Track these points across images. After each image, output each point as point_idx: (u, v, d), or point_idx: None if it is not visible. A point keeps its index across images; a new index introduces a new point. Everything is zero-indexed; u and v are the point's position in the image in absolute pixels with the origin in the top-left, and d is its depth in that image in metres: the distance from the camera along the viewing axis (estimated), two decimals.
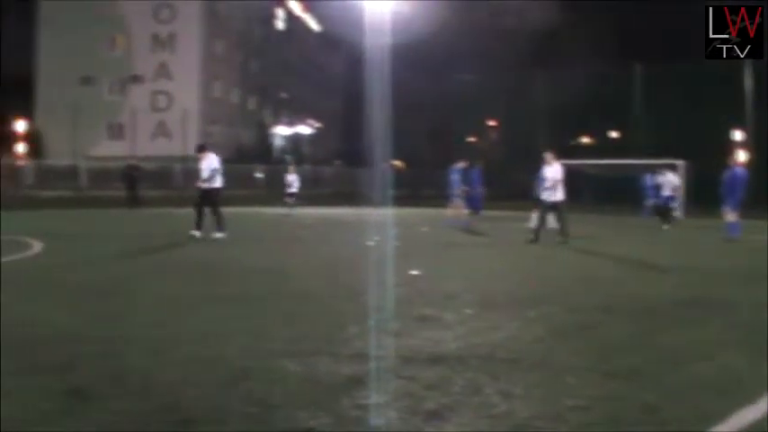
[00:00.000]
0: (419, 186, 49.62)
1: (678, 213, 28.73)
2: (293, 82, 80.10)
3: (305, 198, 35.33)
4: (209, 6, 66.14)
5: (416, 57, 55.96)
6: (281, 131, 76.81)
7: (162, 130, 61.59)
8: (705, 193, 25.06)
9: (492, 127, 62.50)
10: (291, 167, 35.00)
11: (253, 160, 56.99)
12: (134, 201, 32.84)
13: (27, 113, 63.64)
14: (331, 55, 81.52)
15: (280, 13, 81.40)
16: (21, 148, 62.65)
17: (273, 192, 44.93)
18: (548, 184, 17.11)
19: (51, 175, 45.88)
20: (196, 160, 18.06)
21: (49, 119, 59.25)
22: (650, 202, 28.18)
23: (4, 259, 12.23)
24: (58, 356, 5.71)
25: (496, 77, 51.99)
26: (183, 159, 44.35)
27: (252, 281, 10.25)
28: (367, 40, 44.50)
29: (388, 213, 26.57)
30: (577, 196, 26.01)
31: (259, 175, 52.48)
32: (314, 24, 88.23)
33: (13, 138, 63.08)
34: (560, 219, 17.23)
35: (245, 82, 73.46)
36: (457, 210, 24.29)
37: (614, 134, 53.59)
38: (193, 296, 8.84)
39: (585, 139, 55.86)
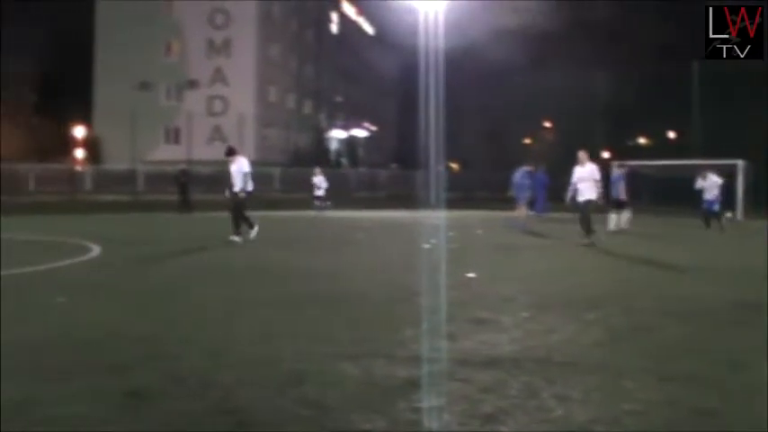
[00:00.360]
0: (474, 188, 49.43)
1: (731, 215, 28.04)
2: (348, 85, 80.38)
3: (360, 201, 35.33)
4: (264, 11, 66.65)
5: (470, 58, 55.79)
6: (337, 135, 77.07)
7: (218, 135, 62.17)
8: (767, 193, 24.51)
9: (547, 128, 62.07)
10: (318, 170, 34.81)
11: (309, 164, 57.19)
12: (184, 205, 32.91)
13: (86, 119, 64.84)
14: (385, 58, 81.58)
15: (334, 16, 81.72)
16: (79, 153, 63.98)
17: (330, 194, 45.17)
18: (580, 184, 16.83)
19: (109, 180, 46.65)
20: (226, 164, 18.11)
21: (107, 124, 60.25)
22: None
23: (64, 262, 12.44)
24: (118, 358, 5.80)
25: (551, 78, 51.59)
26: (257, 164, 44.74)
27: (307, 282, 10.29)
28: (421, 42, 44.48)
29: (443, 216, 26.52)
30: (636, 197, 25.60)
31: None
32: (368, 28, 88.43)
33: (73, 143, 64.42)
34: (584, 218, 16.85)
35: (301, 86, 73.87)
36: (521, 212, 24.09)
37: (672, 135, 52.79)
38: (248, 298, 8.93)
39: (643, 140, 55.15)
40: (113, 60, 62.85)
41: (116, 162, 51.41)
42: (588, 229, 16.86)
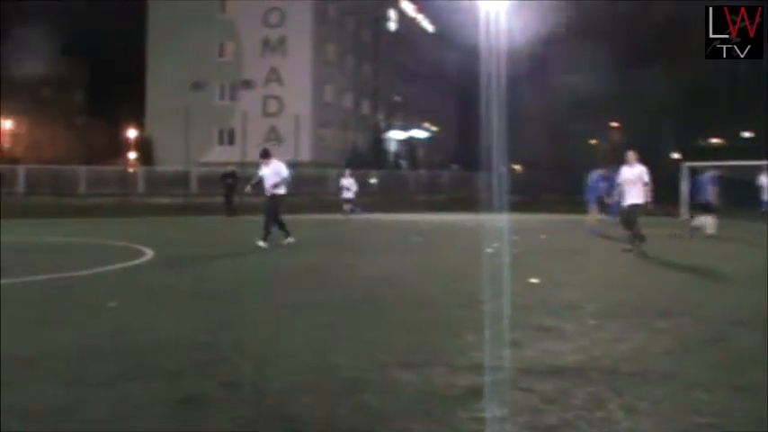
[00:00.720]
0: (537, 191, 49.08)
1: None
2: (407, 85, 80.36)
3: (420, 204, 35.23)
4: (320, 9, 67.02)
5: (533, 56, 55.45)
6: (396, 136, 77.15)
7: (273, 135, 62.66)
8: None
9: (614, 128, 61.34)
10: (347, 171, 34.67)
11: (367, 165, 57.45)
12: (229, 208, 32.13)
13: (138, 120, 65.90)
14: (445, 56, 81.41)
15: (392, 14, 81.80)
16: (131, 155, 65.10)
17: (388, 198, 45.27)
18: (626, 186, 16.41)
19: (162, 182, 47.29)
20: (257, 166, 18.17)
21: (160, 125, 61.10)
22: None
23: (116, 266, 12.66)
24: (170, 363, 5.89)
25: (618, 76, 50.98)
26: (295, 165, 45.00)
27: (364, 288, 10.32)
28: (482, 40, 44.35)
29: (505, 219, 26.38)
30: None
31: (373, 180, 52.88)
32: (427, 25, 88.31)
33: (125, 145, 65.57)
34: (632, 223, 16.41)
35: (358, 85, 74.11)
36: (592, 216, 23.82)
37: (747, 134, 51.74)
38: (303, 303, 8.97)
39: (715, 140, 54.18)
40: (166, 60, 63.79)
41: (169, 164, 52.09)
42: (637, 235, 16.28)
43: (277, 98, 65.06)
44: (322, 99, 66.98)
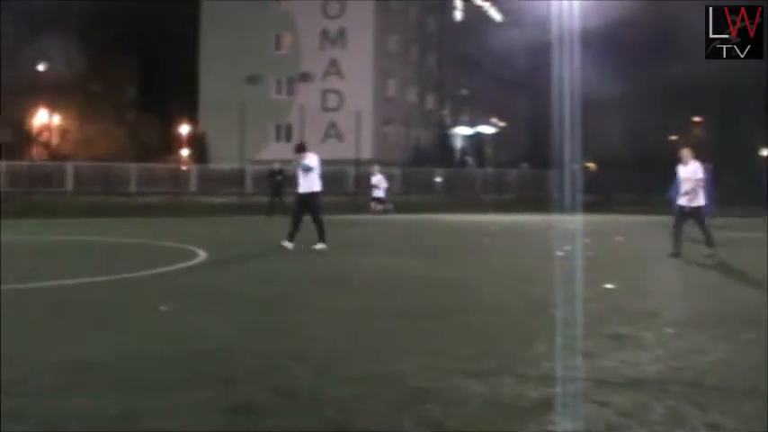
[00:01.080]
0: (613, 190, 48.51)
1: None
2: (474, 78, 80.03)
3: (487, 204, 35.00)
4: None
5: (608, 48, 54.81)
6: (462, 131, 76.93)
7: (333, 131, 62.91)
8: None
9: (697, 123, 60.35)
10: (376, 167, 33.53)
11: (432, 163, 57.40)
12: (273, 207, 31.20)
13: (191, 116, 66.69)
14: (514, 47, 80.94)
15: (458, 2, 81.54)
16: (184, 152, 65.97)
17: (455, 197, 45.18)
18: (686, 186, 16.00)
19: (216, 180, 47.72)
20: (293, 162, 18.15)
21: (214, 121, 61.70)
22: None
23: (168, 267, 12.82)
24: (225, 370, 5.94)
25: (701, 66, 50.06)
26: (356, 163, 45.17)
27: (428, 293, 10.33)
28: (553, 28, 43.99)
29: (578, 220, 26.14)
30: None
31: (438, 179, 52.78)
32: (495, 14, 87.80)
33: (177, 141, 66.48)
34: (702, 228, 16.00)
35: (422, 79, 74.03)
36: None
37: None
38: (364, 308, 9.01)
39: None
40: (220, 53, 64.40)
41: (223, 161, 52.51)
42: (709, 240, 15.87)
43: (337, 92, 65.25)
44: (384, 93, 67.01)
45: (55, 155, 57.28)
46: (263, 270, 13.21)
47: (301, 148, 17.30)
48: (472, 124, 76.83)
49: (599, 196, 44.58)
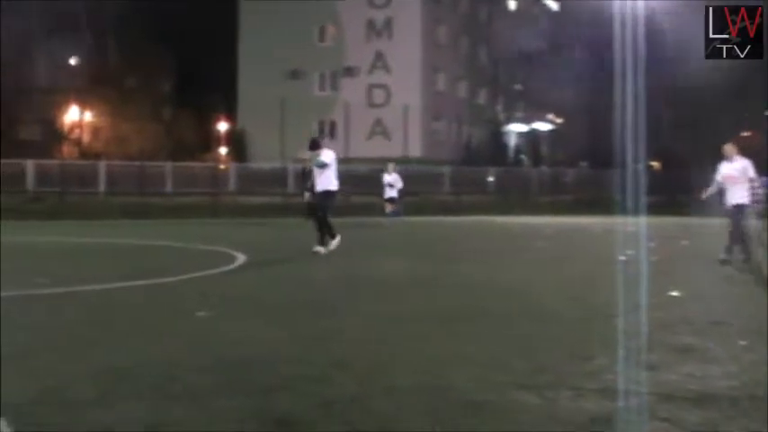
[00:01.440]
0: (678, 191, 47.90)
1: None
2: (529, 71, 79.49)
3: (543, 205, 34.72)
4: None
5: (674, 38, 54.20)
6: (516, 128, 76.52)
7: (379, 128, 62.87)
8: None
9: None
10: (391, 165, 31.33)
11: (484, 162, 57.18)
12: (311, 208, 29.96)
13: (229, 112, 66.96)
14: (572, 39, 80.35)
15: None
16: (223, 150, 66.31)
17: (508, 198, 44.97)
18: (726, 183, 15.65)
19: (256, 180, 47.78)
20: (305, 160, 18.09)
21: (253, 118, 61.83)
22: None
23: (206, 272, 12.91)
24: (264, 378, 5.98)
25: None
26: (404, 161, 45.03)
27: (480, 298, 10.31)
28: (615, 20, 43.57)
29: (641, 223, 25.84)
30: None
31: (491, 178, 52.50)
32: (551, 2, 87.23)
33: (215, 139, 66.85)
34: (737, 228, 15.52)
35: (473, 73, 73.74)
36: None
37: None
38: (409, 314, 9.02)
39: None
40: (260, 47, 64.51)
41: (263, 160, 52.51)
42: (738, 242, 15.48)
43: (383, 87, 65.10)
44: (433, 88, 66.79)
45: (86, 153, 57.79)
46: (305, 274, 13.28)
47: (315, 145, 17.37)
48: (527, 121, 76.39)
49: (664, 197, 44.04)
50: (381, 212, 30.15)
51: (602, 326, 8.30)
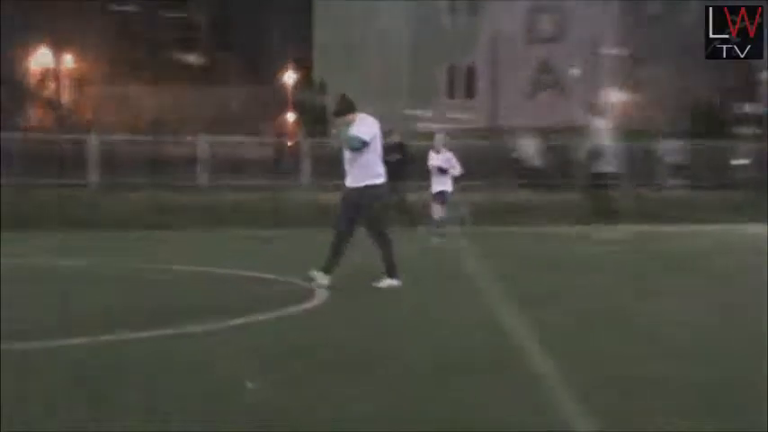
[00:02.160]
0: None
1: None
2: None
3: None
4: None
5: None
6: None
7: (548, 79, 52.88)
8: None
9: None
10: (440, 137, 22.25)
11: (724, 134, 49.74)
12: (402, 207, 22.43)
13: (300, 58, 63.93)
14: None
15: None
16: (290, 117, 61.83)
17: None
18: None
19: (340, 164, 41.51)
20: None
21: (336, 64, 56.78)
22: None
23: (262, 316, 10.21)
24: None
25: None
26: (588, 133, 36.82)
27: (718, 358, 8.01)
28: None
29: None
30: None
31: (741, 161, 45.76)
32: None
33: (279, 102, 62.83)
34: None
35: None
36: None
37: None
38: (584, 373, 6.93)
39: None
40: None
41: None
42: None
43: (555, 12, 55.17)
44: (638, 11, 53.52)
45: (67, 122, 49.78)
46: (408, 321, 10.59)
47: (343, 109, 12.81)
48: None
49: None
50: (422, 219, 22.53)
51: None
